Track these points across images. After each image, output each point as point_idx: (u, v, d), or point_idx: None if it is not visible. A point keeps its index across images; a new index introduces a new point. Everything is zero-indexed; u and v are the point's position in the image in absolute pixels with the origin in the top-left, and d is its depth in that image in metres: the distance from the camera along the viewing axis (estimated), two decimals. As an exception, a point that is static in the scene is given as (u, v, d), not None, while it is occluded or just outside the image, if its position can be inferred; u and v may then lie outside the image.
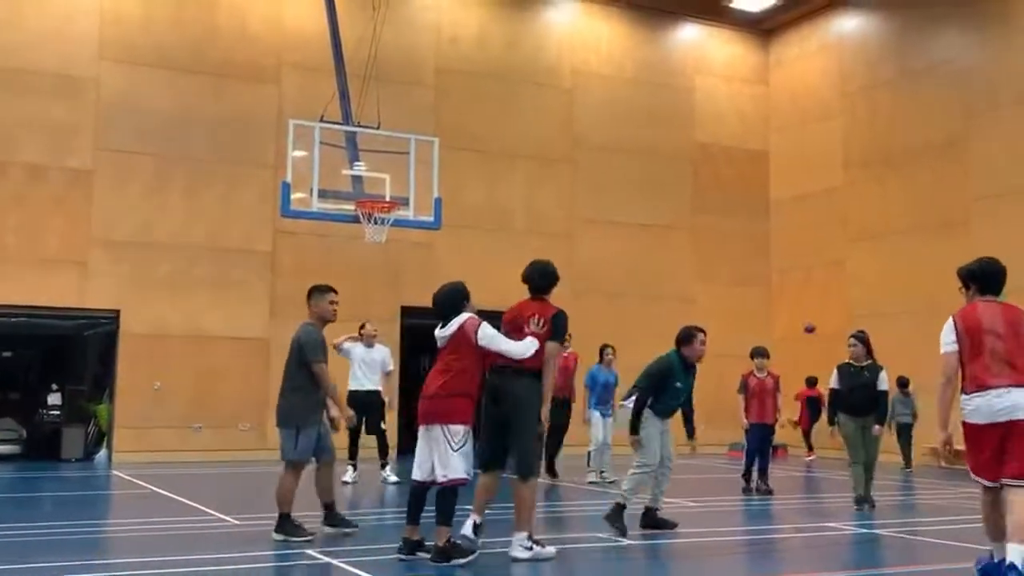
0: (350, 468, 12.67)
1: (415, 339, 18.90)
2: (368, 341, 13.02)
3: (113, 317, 16.44)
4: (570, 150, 19.92)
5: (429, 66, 18.84)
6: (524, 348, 7.17)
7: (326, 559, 7.20)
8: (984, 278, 6.61)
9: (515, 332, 7.42)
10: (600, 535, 8.44)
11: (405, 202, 13.84)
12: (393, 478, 12.80)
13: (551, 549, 7.30)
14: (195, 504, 10.25)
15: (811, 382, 18.22)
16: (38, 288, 15.76)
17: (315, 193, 13.29)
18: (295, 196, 13.51)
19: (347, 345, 12.86)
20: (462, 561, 6.91)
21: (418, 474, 7.13)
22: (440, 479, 6.93)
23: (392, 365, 13.37)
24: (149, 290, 16.39)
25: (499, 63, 19.42)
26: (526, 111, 19.53)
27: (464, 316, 7.24)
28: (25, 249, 15.79)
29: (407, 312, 18.02)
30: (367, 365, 12.81)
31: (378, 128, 14.09)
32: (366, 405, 12.49)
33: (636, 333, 20.34)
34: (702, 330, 8.93)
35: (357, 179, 14.03)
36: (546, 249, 19.45)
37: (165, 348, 16.43)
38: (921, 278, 17.97)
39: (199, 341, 16.66)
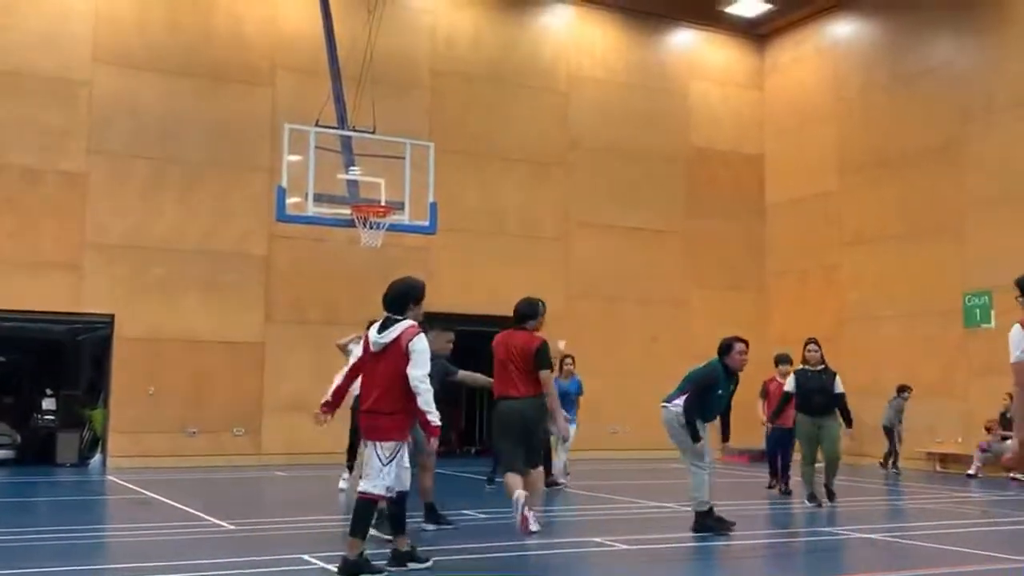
0: (346, 473, 12.35)
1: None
2: None
3: (107, 321, 16.39)
4: (565, 154, 19.93)
5: (424, 69, 18.84)
6: (430, 407, 6.75)
7: (321, 564, 7.18)
8: None
9: (499, 361, 8.36)
10: (596, 539, 8.44)
11: (400, 206, 13.84)
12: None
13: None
14: (190, 509, 10.23)
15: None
16: (32, 292, 15.71)
17: (310, 197, 13.28)
18: (290, 200, 13.50)
19: (353, 345, 12.48)
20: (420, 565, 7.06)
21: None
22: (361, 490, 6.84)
23: None
24: (143, 294, 16.35)
25: (494, 66, 19.43)
26: (521, 114, 19.53)
27: (405, 324, 6.91)
28: (18, 252, 15.73)
29: (402, 316, 18.00)
30: None
31: (373, 132, 14.09)
32: None
33: (630, 336, 20.41)
34: (742, 340, 9.22)
35: (352, 183, 14.02)
36: (541, 253, 19.60)
37: (159, 352, 16.39)
38: (916, 282, 18.02)
39: (193, 345, 16.63)
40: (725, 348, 9.21)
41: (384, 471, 6.73)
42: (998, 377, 16.17)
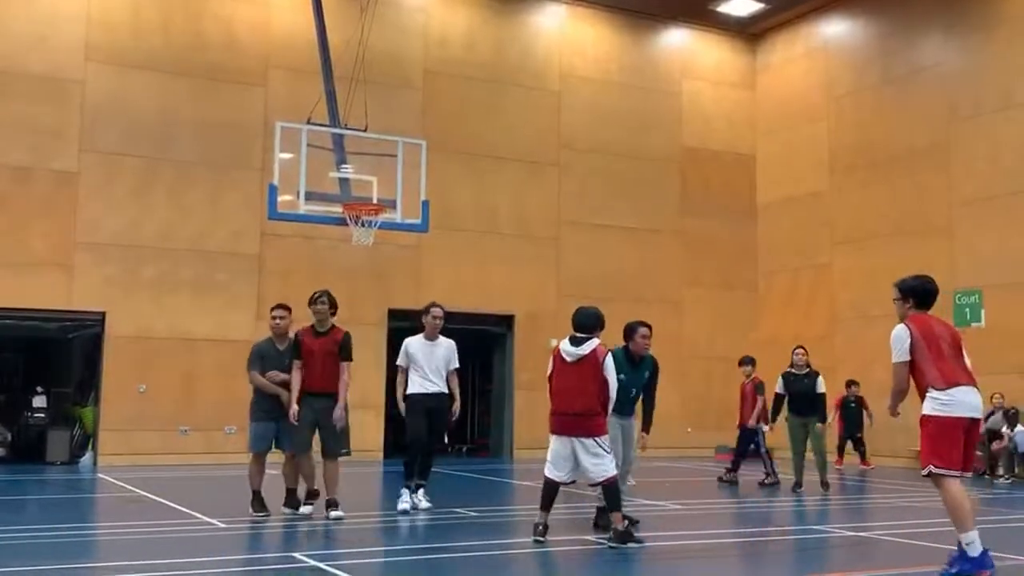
0: (406, 494, 10.17)
1: (402, 342, 18.90)
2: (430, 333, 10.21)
3: (98, 319, 16.37)
4: (557, 153, 19.95)
5: (417, 69, 18.84)
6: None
7: (312, 562, 7.18)
8: (924, 295, 7.04)
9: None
10: (588, 536, 8.46)
11: (392, 205, 13.82)
12: (426, 503, 10.22)
13: None
14: (181, 507, 10.22)
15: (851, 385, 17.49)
16: (23, 290, 15.68)
17: (302, 195, 13.25)
18: (282, 199, 13.48)
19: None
20: (635, 546, 7.84)
21: (560, 475, 8.19)
22: (592, 480, 8.05)
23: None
24: (135, 292, 16.34)
25: (487, 66, 19.44)
26: (514, 114, 19.55)
27: (596, 341, 8.17)
28: (10, 251, 15.70)
29: (394, 315, 18.01)
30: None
31: (365, 131, 14.08)
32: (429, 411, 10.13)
33: (621, 337, 20.42)
34: (645, 324, 9.17)
35: (344, 181, 14.01)
36: (533, 252, 19.62)
37: (151, 350, 16.37)
38: (906, 282, 18.06)
39: (185, 344, 16.62)
40: (628, 332, 9.15)
41: (609, 456, 8.02)
42: (989, 376, 16.23)
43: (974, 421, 6.59)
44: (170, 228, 16.76)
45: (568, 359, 8.11)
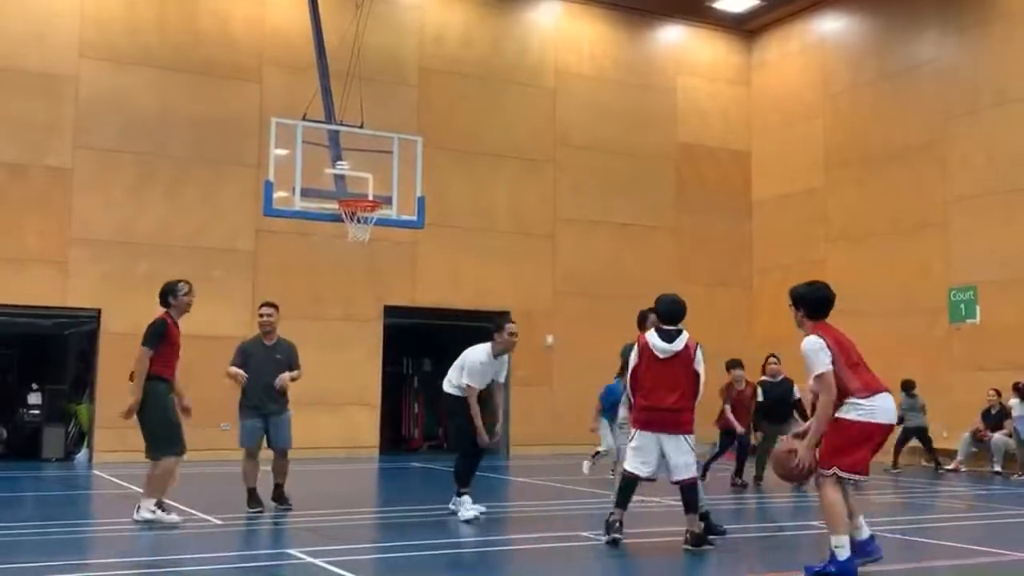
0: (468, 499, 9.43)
1: (398, 339, 18.91)
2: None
3: (93, 316, 16.34)
4: (553, 150, 19.94)
5: (413, 65, 18.82)
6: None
7: (309, 559, 7.18)
8: (816, 304, 6.99)
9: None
10: (583, 533, 8.47)
11: (388, 201, 13.80)
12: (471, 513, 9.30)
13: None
14: (177, 504, 10.20)
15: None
16: (18, 287, 15.65)
17: (297, 192, 13.23)
18: (277, 195, 13.45)
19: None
20: (709, 547, 7.73)
21: (645, 471, 7.87)
22: (678, 478, 7.81)
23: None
24: (130, 289, 16.28)
25: (482, 63, 19.42)
26: (509, 111, 19.54)
27: (687, 335, 7.95)
28: (4, 248, 15.67)
29: (390, 311, 18.01)
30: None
31: (361, 127, 14.06)
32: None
33: (617, 333, 20.38)
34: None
35: (340, 178, 13.98)
36: (529, 248, 19.61)
37: (146, 347, 16.31)
38: (901, 278, 18.12)
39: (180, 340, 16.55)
40: (641, 320, 9.13)
41: (694, 456, 7.84)
42: (984, 373, 16.33)
43: (889, 427, 6.65)
44: (165, 225, 16.73)
45: (661, 356, 7.83)
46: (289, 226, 16.34)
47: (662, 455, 7.81)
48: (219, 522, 9.07)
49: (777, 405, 12.95)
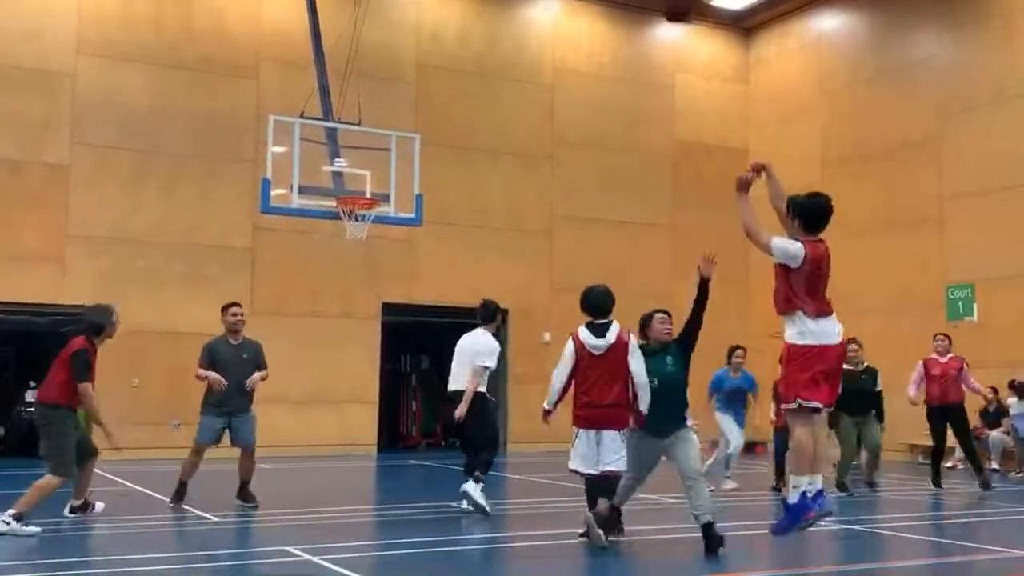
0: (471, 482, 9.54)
1: (396, 337, 18.90)
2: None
3: (90, 313, 16.28)
4: (550, 147, 19.93)
5: (410, 62, 18.80)
6: (645, 399, 7.68)
7: (307, 556, 7.18)
8: (813, 215, 7.11)
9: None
10: (578, 530, 8.46)
11: (386, 198, 13.78)
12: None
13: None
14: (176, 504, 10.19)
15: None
16: (14, 284, 15.62)
17: (295, 189, 13.20)
18: (274, 192, 13.43)
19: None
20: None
21: (584, 469, 7.66)
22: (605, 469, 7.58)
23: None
24: (126, 286, 16.25)
25: (480, 60, 19.41)
26: (507, 108, 19.52)
27: (618, 325, 7.77)
28: (1, 245, 15.64)
29: (387, 309, 17.99)
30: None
31: (359, 124, 14.04)
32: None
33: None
34: (662, 310, 8.80)
35: (337, 175, 13.96)
36: (526, 246, 19.61)
37: (142, 345, 16.30)
38: (898, 275, 18.13)
39: (176, 338, 16.53)
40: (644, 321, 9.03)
41: (625, 451, 7.57)
42: (981, 370, 16.29)
43: (837, 347, 6.59)
44: (162, 222, 16.72)
45: (595, 352, 7.68)
46: (287, 224, 16.30)
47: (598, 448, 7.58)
48: (216, 520, 9.07)
49: (855, 396, 11.52)
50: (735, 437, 12.14)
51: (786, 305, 6.67)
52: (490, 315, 9.93)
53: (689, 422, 7.84)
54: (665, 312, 8.56)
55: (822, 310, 6.64)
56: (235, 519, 9.12)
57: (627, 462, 7.63)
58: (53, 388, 8.57)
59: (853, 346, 11.91)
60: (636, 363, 7.65)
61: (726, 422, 12.18)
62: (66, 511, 9.07)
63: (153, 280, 16.53)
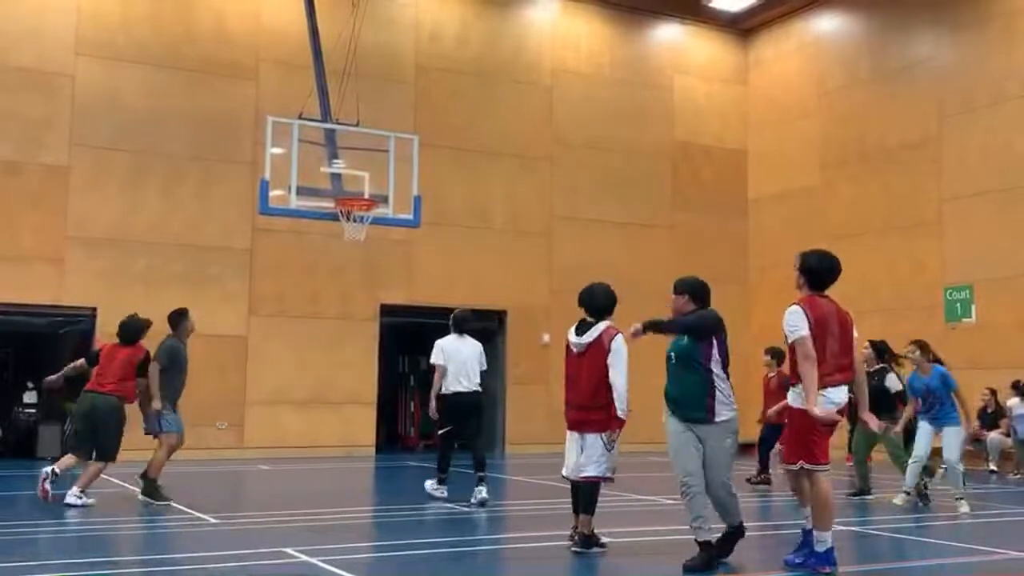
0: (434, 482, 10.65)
1: (395, 338, 18.90)
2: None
3: (89, 315, 16.30)
4: (550, 148, 19.94)
5: (409, 63, 18.81)
6: (622, 402, 7.33)
7: (304, 557, 7.18)
8: (819, 276, 6.92)
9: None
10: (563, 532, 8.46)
11: (384, 200, 13.79)
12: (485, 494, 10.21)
13: None
14: (173, 503, 10.20)
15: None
16: (13, 285, 15.62)
17: (293, 190, 13.21)
18: (273, 193, 13.44)
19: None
20: (600, 550, 7.38)
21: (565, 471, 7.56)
22: (583, 474, 7.37)
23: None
24: (125, 287, 16.26)
25: (479, 61, 19.42)
26: (506, 109, 19.53)
27: (603, 325, 7.55)
28: (0, 246, 15.64)
29: (386, 310, 17.99)
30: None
31: (357, 125, 14.05)
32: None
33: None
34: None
35: (336, 176, 13.97)
36: (525, 247, 19.60)
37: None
38: (897, 277, 18.14)
39: (176, 339, 16.53)
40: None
41: (610, 455, 7.35)
42: (980, 371, 16.33)
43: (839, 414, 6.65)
44: (161, 222, 16.72)
45: (575, 350, 7.54)
46: (285, 225, 16.32)
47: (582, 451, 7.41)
48: (215, 521, 9.07)
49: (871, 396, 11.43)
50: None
51: (794, 378, 6.69)
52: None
53: (723, 416, 6.97)
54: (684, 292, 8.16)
55: (826, 381, 6.48)
56: (233, 520, 9.12)
57: (671, 460, 7.01)
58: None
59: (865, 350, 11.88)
60: (614, 370, 7.30)
61: (923, 430, 11.14)
62: (56, 468, 10.03)
63: (153, 281, 16.52)
